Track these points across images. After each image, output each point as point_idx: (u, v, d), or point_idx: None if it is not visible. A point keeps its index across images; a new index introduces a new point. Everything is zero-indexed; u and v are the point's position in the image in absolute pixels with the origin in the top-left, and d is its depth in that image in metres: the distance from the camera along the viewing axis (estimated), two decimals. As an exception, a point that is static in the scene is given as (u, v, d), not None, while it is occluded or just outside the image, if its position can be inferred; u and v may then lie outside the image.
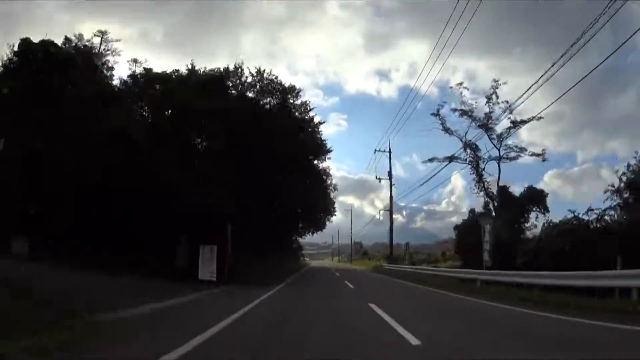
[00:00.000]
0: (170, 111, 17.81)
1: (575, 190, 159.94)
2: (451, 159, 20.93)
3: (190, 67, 19.12)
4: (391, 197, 33.01)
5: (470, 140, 20.41)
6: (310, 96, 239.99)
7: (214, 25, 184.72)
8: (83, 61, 17.34)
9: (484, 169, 20.33)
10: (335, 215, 31.42)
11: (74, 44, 18.42)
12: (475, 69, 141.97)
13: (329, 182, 26.91)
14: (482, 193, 20.21)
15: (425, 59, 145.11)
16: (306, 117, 21.32)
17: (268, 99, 20.25)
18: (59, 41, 17.00)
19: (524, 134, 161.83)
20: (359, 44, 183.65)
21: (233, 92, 19.66)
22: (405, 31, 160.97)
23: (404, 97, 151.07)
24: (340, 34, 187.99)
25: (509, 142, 19.86)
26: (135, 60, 20.08)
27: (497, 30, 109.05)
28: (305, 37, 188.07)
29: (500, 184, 19.43)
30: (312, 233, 31.87)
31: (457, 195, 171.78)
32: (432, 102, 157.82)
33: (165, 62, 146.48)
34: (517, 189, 19.38)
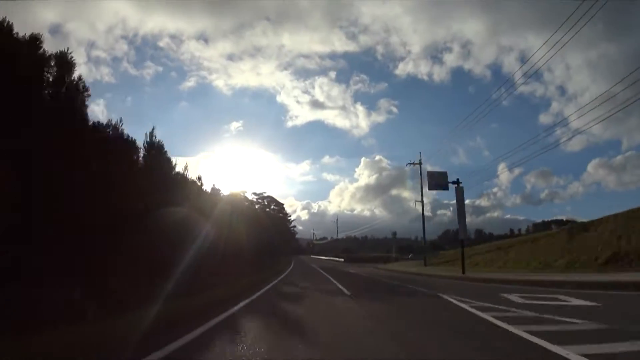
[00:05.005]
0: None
1: (617, 179, 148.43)
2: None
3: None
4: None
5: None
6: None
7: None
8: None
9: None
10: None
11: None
12: (533, 46, 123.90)
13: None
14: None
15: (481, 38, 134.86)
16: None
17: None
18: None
19: (574, 120, 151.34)
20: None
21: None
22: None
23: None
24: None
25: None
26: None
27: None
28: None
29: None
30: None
31: (502, 189, 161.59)
32: (485, 85, 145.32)
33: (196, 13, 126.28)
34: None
